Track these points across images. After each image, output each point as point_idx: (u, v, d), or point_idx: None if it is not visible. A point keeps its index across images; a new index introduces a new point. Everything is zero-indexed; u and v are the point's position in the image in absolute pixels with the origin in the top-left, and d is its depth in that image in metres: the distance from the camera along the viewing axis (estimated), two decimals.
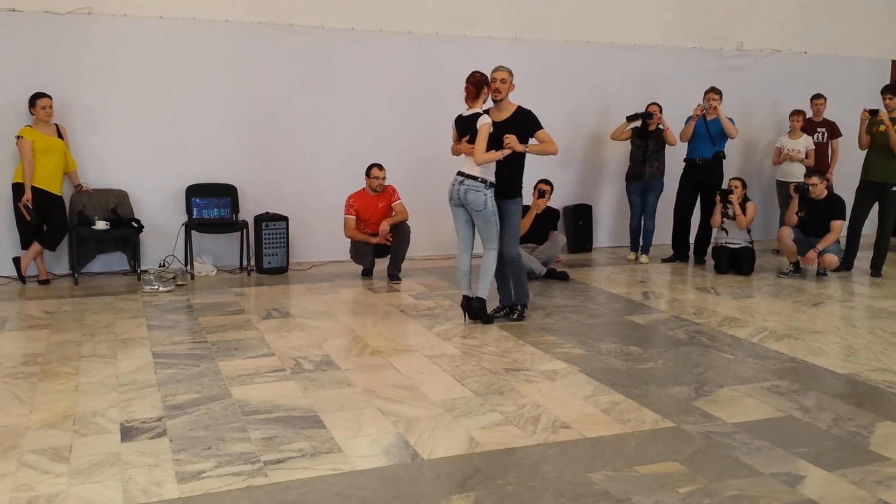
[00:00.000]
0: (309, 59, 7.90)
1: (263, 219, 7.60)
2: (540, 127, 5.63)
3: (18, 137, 6.75)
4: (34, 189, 6.74)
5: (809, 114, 9.10)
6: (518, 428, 3.91)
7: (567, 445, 3.71)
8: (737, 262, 7.88)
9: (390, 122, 8.24)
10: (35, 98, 6.81)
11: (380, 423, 3.94)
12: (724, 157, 8.31)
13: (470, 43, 8.34)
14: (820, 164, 8.85)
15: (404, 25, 8.16)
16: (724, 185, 8.17)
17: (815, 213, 7.67)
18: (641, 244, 8.57)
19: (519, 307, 6.00)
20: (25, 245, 6.97)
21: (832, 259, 7.55)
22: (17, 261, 7.00)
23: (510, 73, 5.62)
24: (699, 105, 8.21)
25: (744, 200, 7.91)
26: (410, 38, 8.19)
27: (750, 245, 7.95)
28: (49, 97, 6.84)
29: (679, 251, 8.58)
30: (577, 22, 8.81)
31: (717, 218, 7.99)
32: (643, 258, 8.52)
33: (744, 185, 7.98)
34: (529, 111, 5.65)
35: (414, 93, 8.28)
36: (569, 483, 3.32)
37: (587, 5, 8.91)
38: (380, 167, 7.38)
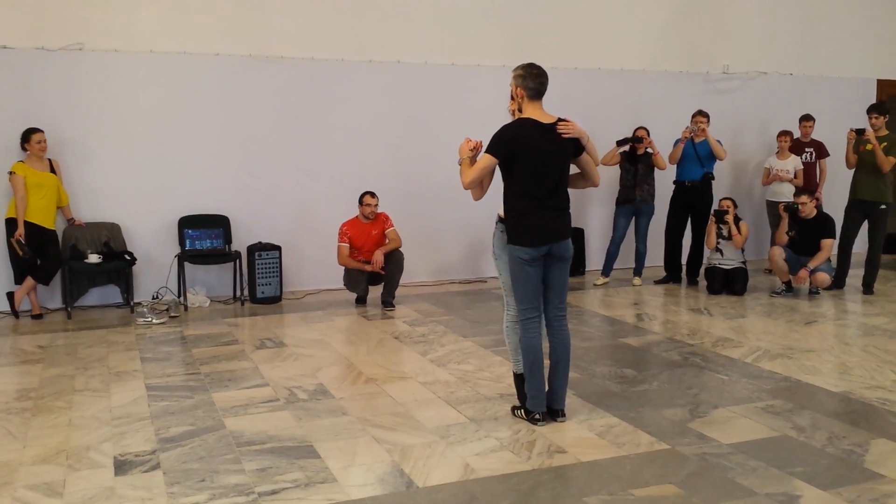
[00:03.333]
0: (299, 91, 7.96)
1: (256, 248, 7.61)
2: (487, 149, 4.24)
3: (11, 173, 6.76)
4: (28, 224, 6.74)
5: (797, 134, 9.19)
6: (513, 453, 3.90)
7: (562, 470, 3.71)
8: (730, 283, 7.90)
9: (382, 150, 8.28)
10: (29, 133, 6.84)
11: (374, 452, 3.93)
12: (712, 178, 8.37)
13: (458, 71, 8.41)
14: (808, 183, 8.92)
15: (393, 55, 8.24)
16: (714, 206, 8.22)
17: (805, 233, 7.72)
18: (634, 266, 8.62)
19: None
20: (19, 280, 6.96)
21: (824, 277, 7.58)
22: (10, 296, 6.99)
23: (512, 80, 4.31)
24: (687, 128, 8.29)
25: (736, 220, 7.95)
26: (400, 68, 8.26)
27: (743, 265, 7.98)
28: (42, 132, 6.87)
29: (671, 273, 8.61)
30: (563, 48, 8.91)
31: (712, 239, 8.02)
32: (636, 280, 8.55)
33: (735, 205, 8.03)
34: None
35: (404, 121, 8.34)
36: None
37: (573, 32, 9.01)
38: (372, 195, 7.41)
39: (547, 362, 4.38)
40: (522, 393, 4.43)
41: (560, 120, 4.27)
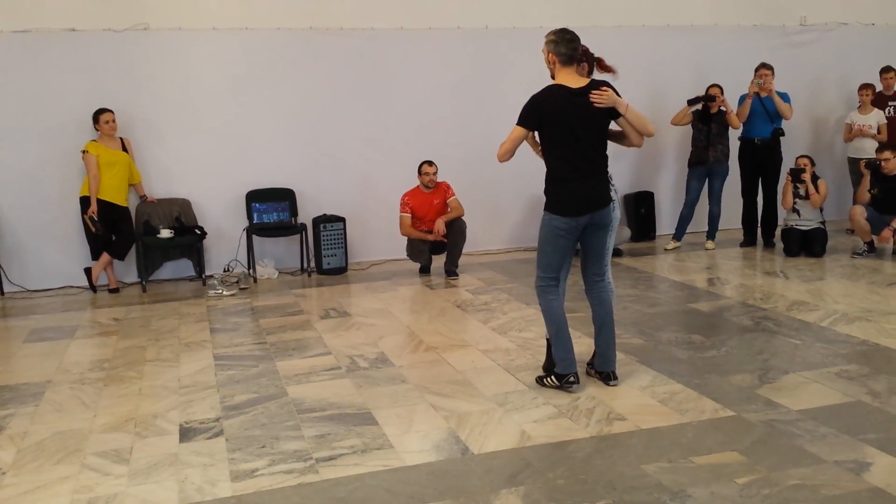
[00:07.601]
0: (360, 62, 7.94)
1: (321, 220, 7.69)
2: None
3: (84, 152, 6.98)
4: (101, 202, 6.96)
5: (879, 87, 8.70)
6: (571, 421, 3.84)
7: (621, 437, 3.63)
8: (808, 244, 7.58)
9: (444, 118, 8.21)
10: (98, 114, 7.03)
11: (431, 419, 3.92)
12: (782, 134, 8.01)
13: (520, 35, 8.23)
14: (893, 138, 8.45)
15: (453, 21, 8.13)
16: (784, 164, 7.87)
17: (888, 190, 7.32)
18: (707, 230, 8.35)
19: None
20: (95, 256, 7.21)
21: None
22: (88, 271, 7.25)
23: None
24: (753, 82, 7.93)
25: (814, 178, 7.60)
26: (460, 34, 8.15)
27: (822, 226, 7.63)
28: (111, 112, 7.06)
29: (749, 235, 8.32)
30: (628, 6, 8.63)
31: (788, 199, 7.69)
32: (709, 244, 8.29)
33: (812, 163, 7.68)
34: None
35: (466, 88, 8.24)
36: (621, 475, 3.24)
37: None
38: (429, 163, 7.38)
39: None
40: (550, 360, 4.34)
41: (594, 81, 4.13)
